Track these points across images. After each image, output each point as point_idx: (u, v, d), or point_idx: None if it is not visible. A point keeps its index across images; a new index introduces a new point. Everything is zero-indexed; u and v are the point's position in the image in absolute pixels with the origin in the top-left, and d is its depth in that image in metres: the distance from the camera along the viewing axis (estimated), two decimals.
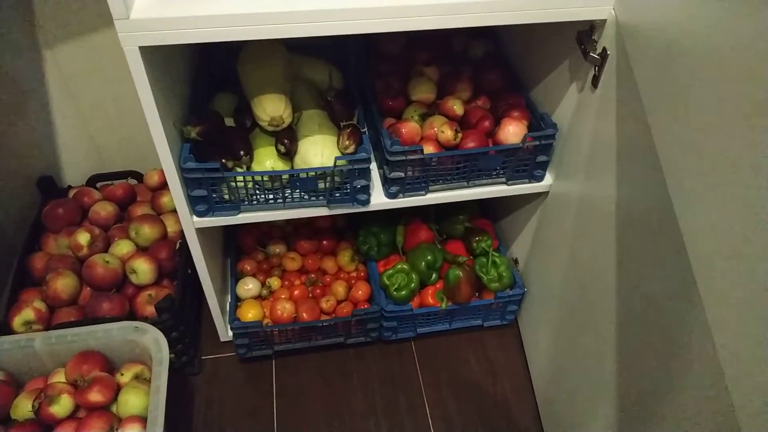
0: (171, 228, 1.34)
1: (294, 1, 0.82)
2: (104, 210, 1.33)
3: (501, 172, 1.17)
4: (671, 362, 0.78)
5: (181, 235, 1.32)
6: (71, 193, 1.40)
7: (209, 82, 1.24)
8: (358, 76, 1.29)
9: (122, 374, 1.08)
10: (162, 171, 1.43)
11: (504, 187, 1.19)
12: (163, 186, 1.43)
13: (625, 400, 0.92)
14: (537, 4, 0.88)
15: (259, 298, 1.37)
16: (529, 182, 1.20)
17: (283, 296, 1.35)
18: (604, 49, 0.92)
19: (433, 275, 1.36)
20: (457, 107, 1.18)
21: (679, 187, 0.72)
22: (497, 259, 1.35)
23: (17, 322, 1.13)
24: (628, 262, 0.90)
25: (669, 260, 0.76)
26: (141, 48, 0.81)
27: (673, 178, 0.73)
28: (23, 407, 1.03)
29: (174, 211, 1.37)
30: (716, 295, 0.64)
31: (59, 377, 1.07)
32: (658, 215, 0.78)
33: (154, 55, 0.86)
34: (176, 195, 1.03)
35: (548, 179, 1.20)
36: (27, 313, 1.13)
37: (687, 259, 0.69)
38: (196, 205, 1.07)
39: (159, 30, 0.79)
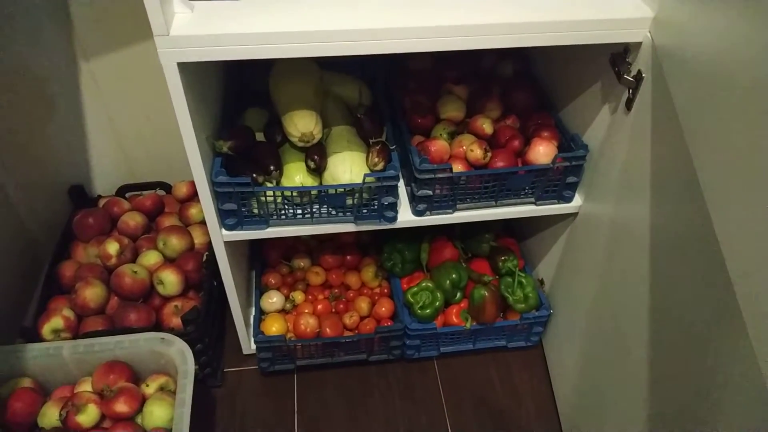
0: (198, 239, 1.35)
1: (328, 20, 0.83)
2: (133, 220, 1.35)
3: (530, 192, 1.16)
4: (709, 389, 0.75)
5: (208, 246, 1.33)
6: (101, 203, 1.42)
7: (241, 96, 1.25)
8: (386, 92, 1.29)
9: (147, 385, 1.09)
10: (190, 183, 1.46)
11: (532, 207, 1.18)
12: (191, 197, 1.45)
13: (657, 428, 0.90)
14: (571, 26, 0.88)
15: (282, 311, 1.38)
16: (558, 203, 1.18)
17: (306, 311, 1.35)
18: (639, 72, 0.91)
19: (458, 294, 1.34)
20: (486, 126, 1.17)
21: (721, 209, 0.70)
22: (523, 280, 1.33)
23: (46, 329, 1.14)
24: (663, 286, 0.88)
25: (708, 284, 0.75)
26: (179, 64, 0.82)
27: (714, 201, 0.72)
28: (50, 415, 1.04)
29: (201, 222, 1.39)
30: (761, 319, 0.62)
31: (86, 386, 1.08)
32: (696, 238, 0.77)
33: (190, 71, 0.87)
34: (207, 208, 1.04)
35: (578, 200, 1.19)
36: (56, 321, 1.15)
37: (728, 282, 0.67)
38: (226, 218, 1.08)
39: (197, 47, 0.80)
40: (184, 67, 0.84)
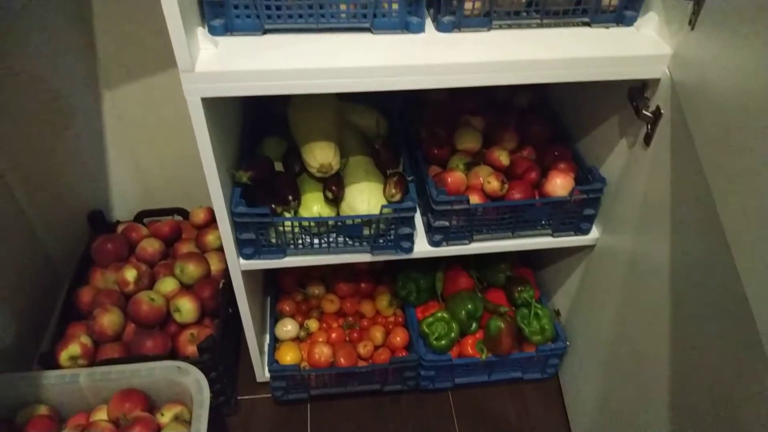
0: (214, 266, 1.36)
1: (348, 57, 0.84)
2: (151, 246, 1.36)
3: (547, 224, 1.16)
4: (731, 422, 0.74)
5: (224, 274, 1.33)
6: (120, 229, 1.44)
7: (259, 122, 1.27)
8: (403, 123, 1.31)
9: (162, 414, 1.08)
10: (207, 209, 1.48)
11: (549, 239, 1.18)
12: (208, 224, 1.46)
13: None
14: (589, 63, 0.88)
15: (296, 339, 1.37)
16: (575, 235, 1.18)
17: (320, 339, 1.35)
18: (658, 108, 0.91)
19: (473, 324, 1.33)
20: (503, 158, 1.18)
21: (741, 244, 0.70)
22: (539, 311, 1.32)
23: (64, 356, 1.15)
24: (683, 319, 0.87)
25: (728, 317, 0.74)
26: (203, 99, 0.83)
27: (734, 236, 0.71)
28: None
29: (218, 249, 1.40)
30: None
31: (101, 414, 1.08)
32: (717, 272, 0.76)
33: (213, 105, 0.89)
34: (225, 237, 1.05)
35: (595, 232, 1.18)
36: (73, 348, 1.16)
37: (749, 314, 0.66)
38: (244, 248, 1.09)
39: (222, 83, 0.82)
40: (208, 101, 0.85)
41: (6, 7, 1.11)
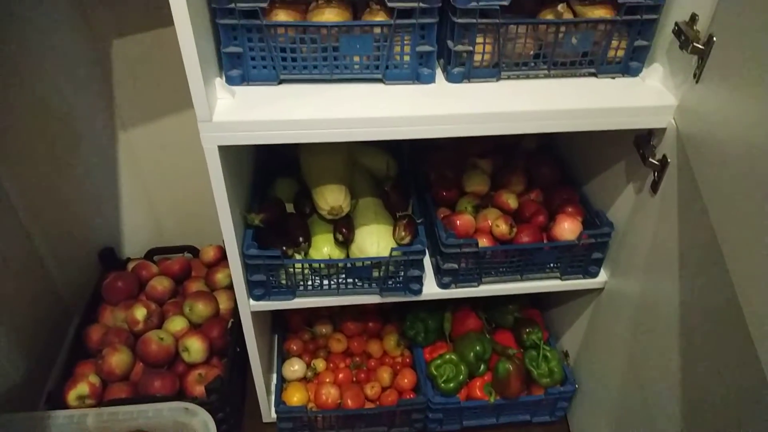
0: (223, 305, 1.36)
1: (361, 107, 0.86)
2: (161, 285, 1.37)
3: (555, 267, 1.17)
4: None
5: (233, 313, 1.34)
6: (130, 266, 1.46)
7: (271, 166, 1.29)
8: (412, 164, 1.33)
9: None
10: (217, 247, 1.49)
11: (558, 282, 1.18)
12: (218, 262, 1.47)
13: None
14: (596, 113, 0.90)
15: (303, 379, 1.37)
16: (584, 278, 1.18)
17: (327, 380, 1.35)
18: (665, 156, 0.93)
19: (482, 366, 1.33)
20: (511, 201, 1.19)
21: (747, 290, 0.70)
22: (548, 353, 1.32)
23: (72, 395, 1.15)
24: (692, 362, 0.88)
25: (737, 362, 0.74)
26: (219, 147, 0.86)
27: (741, 283, 0.72)
28: None
29: (227, 287, 1.41)
30: None
31: None
32: (725, 317, 0.77)
33: (228, 150, 0.91)
34: (236, 278, 1.06)
35: (603, 276, 1.18)
36: (82, 388, 1.16)
37: (757, 360, 0.66)
38: (254, 289, 1.09)
39: (239, 132, 0.84)
40: (224, 148, 0.87)
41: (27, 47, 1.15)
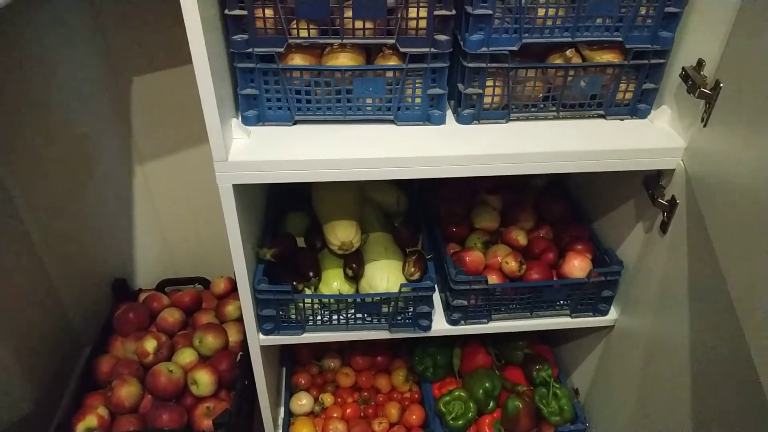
0: (233, 338, 1.37)
1: (373, 148, 0.88)
2: (172, 317, 1.38)
3: (565, 305, 1.17)
4: None
5: (242, 346, 1.34)
6: (142, 297, 1.47)
7: (283, 200, 1.30)
8: (422, 200, 1.34)
9: None
10: (228, 279, 1.50)
11: (568, 319, 1.18)
12: (229, 294, 1.48)
13: None
14: (604, 155, 0.92)
15: (311, 414, 1.36)
16: (594, 316, 1.18)
17: (335, 415, 1.34)
18: (673, 197, 0.94)
19: (491, 403, 1.31)
20: (521, 238, 1.20)
21: (755, 333, 0.70)
22: (558, 391, 1.30)
23: (80, 428, 1.15)
24: (702, 400, 0.87)
25: (747, 401, 0.74)
26: (234, 185, 0.87)
27: (748, 326, 0.72)
28: None
29: (237, 320, 1.42)
30: None
31: None
32: (733, 359, 0.77)
33: (242, 188, 0.93)
34: (246, 313, 1.07)
35: (613, 313, 1.18)
36: (90, 420, 1.16)
37: (765, 400, 0.66)
38: (264, 323, 1.10)
39: (254, 171, 0.86)
40: (238, 186, 0.89)
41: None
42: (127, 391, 1.20)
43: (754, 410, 0.72)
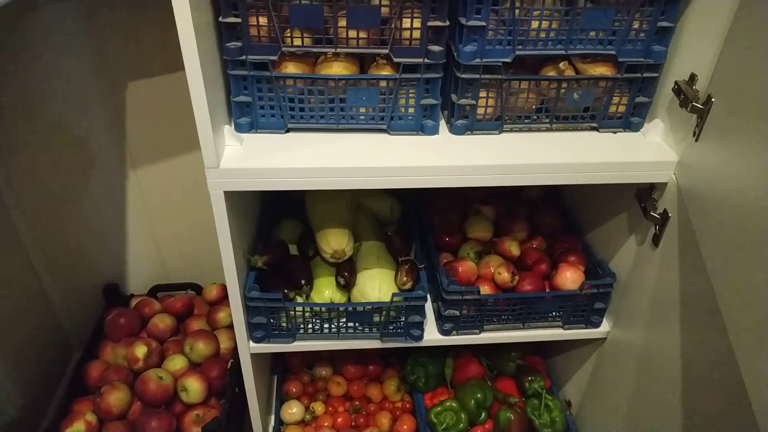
0: (224, 344, 1.36)
1: (366, 156, 0.88)
2: (163, 323, 1.37)
3: (557, 316, 1.16)
4: None
5: (233, 353, 1.33)
6: (133, 302, 1.46)
7: (277, 207, 1.30)
8: (416, 209, 1.34)
9: None
10: (221, 285, 1.49)
11: (560, 330, 1.17)
12: (221, 301, 1.47)
13: None
14: (597, 167, 0.92)
15: (302, 422, 1.35)
16: (586, 327, 1.18)
17: (326, 423, 1.33)
18: (665, 211, 0.94)
19: (483, 414, 1.31)
20: (513, 248, 1.20)
21: (744, 345, 0.70)
22: (550, 402, 1.30)
23: None
24: (692, 413, 0.87)
25: (734, 414, 0.73)
26: (225, 192, 0.87)
27: (738, 338, 0.72)
28: None
29: (228, 326, 1.41)
30: None
31: None
32: (724, 372, 0.77)
33: (234, 195, 0.92)
34: (237, 320, 1.06)
35: (606, 326, 1.18)
36: (78, 426, 1.15)
37: (754, 419, 0.66)
38: (254, 331, 1.09)
39: (245, 178, 0.85)
40: (230, 193, 0.89)
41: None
42: (116, 398, 1.19)
43: (743, 422, 0.72)
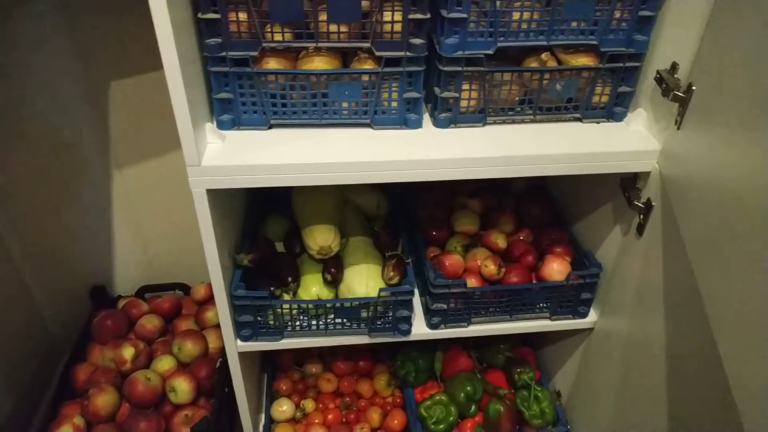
0: (212, 344, 1.35)
1: (350, 151, 0.88)
2: (151, 324, 1.36)
3: (545, 307, 1.17)
4: None
5: (221, 353, 1.33)
6: (121, 304, 1.45)
7: (263, 203, 1.29)
8: (403, 203, 1.34)
9: None
10: (208, 285, 1.48)
11: (547, 322, 1.18)
12: (209, 300, 1.46)
13: None
14: (580, 158, 0.92)
15: (292, 420, 1.35)
16: (573, 318, 1.18)
17: (317, 420, 1.33)
18: (649, 200, 0.94)
19: (473, 407, 1.31)
20: (500, 241, 1.20)
21: (724, 334, 0.71)
22: (540, 394, 1.30)
23: None
24: (680, 406, 0.87)
25: (716, 403, 0.75)
26: (208, 190, 0.86)
27: (719, 327, 0.72)
28: None
29: (217, 326, 1.40)
30: None
31: None
32: (708, 360, 0.77)
33: (218, 193, 0.92)
34: (223, 319, 1.06)
35: (593, 316, 1.18)
36: (66, 429, 1.14)
37: (733, 403, 0.67)
38: (242, 330, 1.09)
39: (227, 176, 0.85)
40: (213, 191, 0.88)
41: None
42: (103, 400, 1.18)
43: (726, 409, 0.72)
